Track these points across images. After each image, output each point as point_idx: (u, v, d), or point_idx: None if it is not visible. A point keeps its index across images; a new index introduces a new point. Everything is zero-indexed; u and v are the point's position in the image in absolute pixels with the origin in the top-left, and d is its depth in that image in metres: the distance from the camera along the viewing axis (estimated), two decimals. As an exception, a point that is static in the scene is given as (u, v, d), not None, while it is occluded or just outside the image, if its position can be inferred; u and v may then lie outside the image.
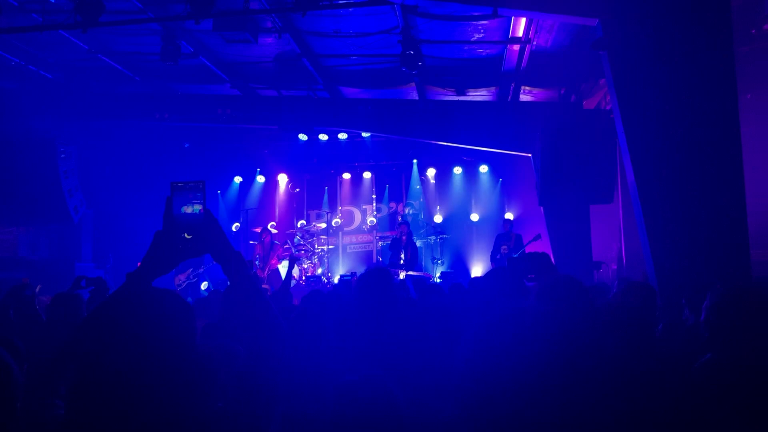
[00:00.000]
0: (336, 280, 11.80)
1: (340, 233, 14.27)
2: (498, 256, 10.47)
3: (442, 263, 12.67)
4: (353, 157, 14.04)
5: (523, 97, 11.06)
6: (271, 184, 14.54)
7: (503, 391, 1.73)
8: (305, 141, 13.20)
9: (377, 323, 3.06)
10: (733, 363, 2.20)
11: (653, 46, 5.68)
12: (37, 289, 6.78)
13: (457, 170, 13.73)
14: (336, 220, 14.12)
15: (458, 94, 11.08)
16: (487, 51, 8.99)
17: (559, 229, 10.11)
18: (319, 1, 6.75)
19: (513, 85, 10.30)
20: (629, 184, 6.05)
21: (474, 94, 11.13)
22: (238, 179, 14.49)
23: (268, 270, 10.83)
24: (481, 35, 8.37)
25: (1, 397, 1.48)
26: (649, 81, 5.69)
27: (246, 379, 1.40)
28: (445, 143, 11.68)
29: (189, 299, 9.13)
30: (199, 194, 1.50)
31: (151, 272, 1.44)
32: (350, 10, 7.39)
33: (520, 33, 8.23)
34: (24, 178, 9.43)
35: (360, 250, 14.31)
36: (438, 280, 11.30)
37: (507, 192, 13.45)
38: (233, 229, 13.91)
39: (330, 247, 13.43)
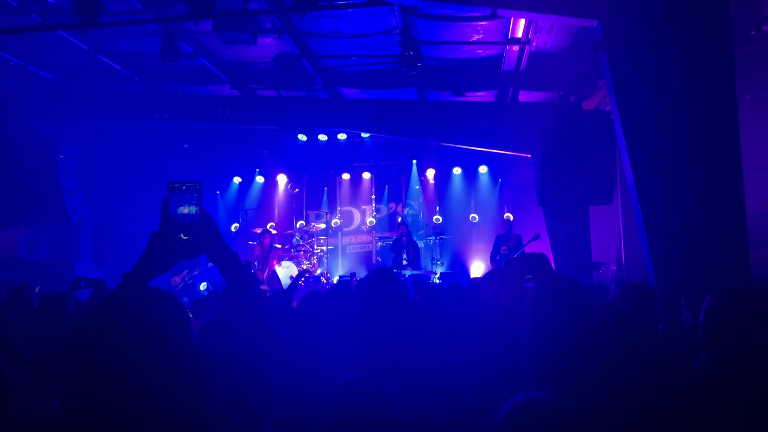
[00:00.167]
0: (335, 280, 11.80)
1: (340, 234, 14.27)
2: (497, 257, 10.47)
3: (442, 264, 12.67)
4: (353, 157, 14.03)
5: (523, 98, 11.06)
6: (271, 184, 14.53)
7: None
8: (304, 141, 13.20)
9: (378, 324, 3.05)
10: (731, 363, 2.20)
11: (652, 48, 5.68)
12: (37, 290, 6.79)
13: (457, 171, 13.73)
14: (335, 221, 14.11)
15: (457, 95, 11.08)
16: (487, 52, 8.99)
17: (558, 230, 10.11)
18: (319, 1, 6.75)
19: (512, 85, 10.30)
20: (628, 185, 6.05)
21: (473, 94, 11.13)
22: (237, 180, 14.48)
23: (268, 271, 10.83)
24: (481, 36, 8.37)
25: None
26: (649, 82, 5.69)
27: (243, 379, 1.39)
28: (444, 144, 11.69)
29: (185, 300, 9.12)
30: (195, 195, 1.50)
31: (147, 273, 1.44)
32: (349, 10, 7.39)
33: (519, 34, 8.24)
34: (23, 178, 9.43)
35: (359, 250, 14.31)
36: (437, 281, 11.30)
37: (506, 193, 13.44)
38: (232, 229, 13.91)
39: (329, 247, 13.42)
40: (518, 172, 12.54)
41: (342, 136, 13.21)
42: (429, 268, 12.40)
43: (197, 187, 1.51)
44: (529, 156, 10.67)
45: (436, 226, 13.40)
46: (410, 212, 13.97)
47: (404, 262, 10.95)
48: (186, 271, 11.32)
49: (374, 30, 8.26)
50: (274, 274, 10.99)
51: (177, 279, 11.18)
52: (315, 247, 12.80)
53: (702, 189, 5.50)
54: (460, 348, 2.76)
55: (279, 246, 11.64)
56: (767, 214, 7.64)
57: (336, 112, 11.39)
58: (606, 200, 9.51)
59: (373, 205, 14.22)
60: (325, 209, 14.06)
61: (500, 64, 9.34)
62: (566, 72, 9.35)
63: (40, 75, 10.01)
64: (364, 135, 13.06)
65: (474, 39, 8.48)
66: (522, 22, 7.84)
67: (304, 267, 11.47)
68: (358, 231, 14.40)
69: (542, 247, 9.97)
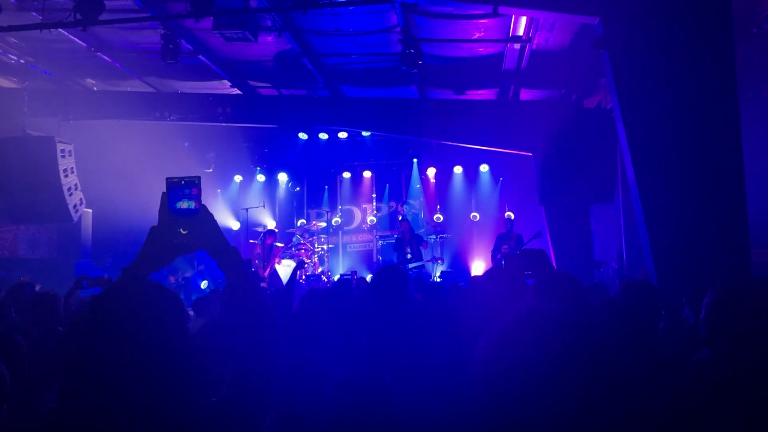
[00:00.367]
0: (336, 279, 11.80)
1: (340, 232, 14.27)
2: (498, 256, 10.46)
3: (442, 262, 12.67)
4: (353, 156, 14.03)
5: (524, 97, 11.05)
6: (272, 183, 14.53)
7: (509, 389, 1.71)
8: (305, 140, 13.19)
9: (385, 322, 3.05)
10: (732, 361, 2.19)
11: (654, 45, 5.67)
12: (37, 288, 6.79)
13: (458, 169, 13.72)
14: (336, 219, 14.11)
15: (458, 93, 11.07)
16: (488, 50, 8.98)
17: (559, 229, 10.10)
18: (319, -1, 6.73)
19: (513, 84, 10.28)
20: (630, 183, 6.03)
21: (474, 92, 11.11)
22: (238, 178, 14.48)
23: (270, 270, 10.83)
24: (482, 34, 8.36)
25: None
26: (650, 80, 5.67)
27: (241, 373, 1.39)
28: (445, 142, 11.67)
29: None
30: (194, 189, 1.49)
31: (145, 267, 1.43)
32: (350, 8, 7.38)
33: (520, 32, 8.22)
34: (23, 176, 9.42)
35: (360, 249, 14.31)
36: (438, 280, 11.31)
37: (507, 191, 13.43)
38: (233, 228, 13.90)
39: (330, 246, 13.42)
40: (519, 170, 12.52)
41: (343, 135, 13.21)
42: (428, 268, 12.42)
43: (196, 181, 1.50)
44: (530, 154, 10.66)
45: (437, 224, 13.39)
46: (410, 211, 13.97)
47: (408, 256, 11.01)
48: (180, 272, 11.34)
49: (375, 28, 8.25)
50: (275, 272, 10.99)
51: (172, 279, 11.19)
52: (316, 245, 12.80)
53: (703, 187, 5.49)
54: (460, 345, 2.75)
55: (281, 245, 11.64)
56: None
57: (337, 111, 11.37)
58: (607, 198, 9.49)
59: (374, 203, 14.22)
60: (325, 208, 14.06)
61: (501, 63, 9.32)
62: (567, 70, 9.33)
63: (40, 73, 10.00)
64: (364, 133, 13.05)
65: (475, 37, 8.47)
66: (523, 19, 7.82)
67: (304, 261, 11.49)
68: (358, 230, 14.40)
69: (543, 245, 9.96)
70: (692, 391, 2.20)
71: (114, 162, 11.25)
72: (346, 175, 14.37)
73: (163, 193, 1.49)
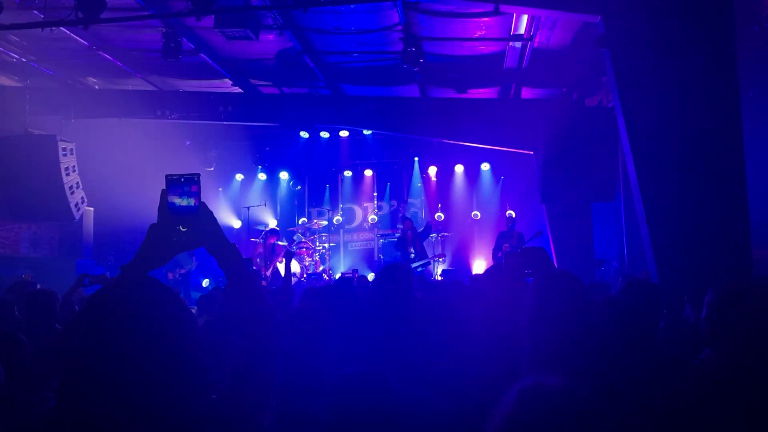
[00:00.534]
0: (337, 277, 11.79)
1: (341, 231, 14.26)
2: (499, 254, 10.45)
3: (444, 261, 12.66)
4: (354, 154, 14.02)
5: (525, 95, 11.03)
6: (273, 181, 14.53)
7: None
8: (306, 138, 13.19)
9: (390, 320, 3.06)
10: (733, 359, 2.19)
11: (655, 44, 5.65)
12: (38, 287, 6.80)
13: (459, 168, 13.71)
14: (337, 218, 14.11)
15: (460, 92, 11.06)
16: (489, 48, 8.97)
17: (561, 227, 10.09)
18: (320, -3, 6.74)
19: (515, 82, 10.27)
20: (631, 182, 6.03)
21: (475, 91, 11.10)
22: (239, 177, 14.48)
23: (272, 268, 10.83)
24: (483, 33, 8.35)
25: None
26: (652, 78, 5.66)
27: (241, 370, 1.39)
28: (446, 141, 11.66)
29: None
30: (194, 186, 1.49)
31: (145, 265, 1.43)
32: (351, 6, 7.37)
33: (522, 30, 8.20)
34: (25, 175, 9.43)
35: (361, 248, 14.30)
36: (439, 278, 11.30)
37: (508, 190, 13.42)
38: (234, 226, 13.90)
39: (331, 244, 13.42)
40: (520, 169, 12.50)
41: (344, 133, 13.21)
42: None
43: (196, 178, 1.50)
44: (532, 153, 10.65)
45: (438, 223, 13.39)
46: (409, 209, 13.97)
47: (411, 255, 11.01)
48: (177, 269, 11.34)
49: (376, 26, 8.24)
50: (277, 271, 10.98)
51: (170, 275, 11.20)
52: (317, 244, 12.80)
53: (705, 186, 5.48)
54: (462, 342, 2.75)
55: (283, 243, 11.64)
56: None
57: (338, 109, 11.37)
58: (608, 197, 9.48)
59: (375, 202, 14.22)
60: (327, 206, 14.06)
61: (502, 61, 9.31)
62: (569, 69, 9.32)
63: (42, 71, 10.00)
64: (366, 132, 13.05)
65: (476, 35, 8.46)
66: (524, 18, 7.81)
67: (306, 263, 11.48)
68: (360, 228, 14.39)
69: (544, 244, 9.95)
70: (693, 391, 2.20)
71: (115, 160, 11.25)
72: (348, 173, 14.37)
73: (163, 190, 1.49)
